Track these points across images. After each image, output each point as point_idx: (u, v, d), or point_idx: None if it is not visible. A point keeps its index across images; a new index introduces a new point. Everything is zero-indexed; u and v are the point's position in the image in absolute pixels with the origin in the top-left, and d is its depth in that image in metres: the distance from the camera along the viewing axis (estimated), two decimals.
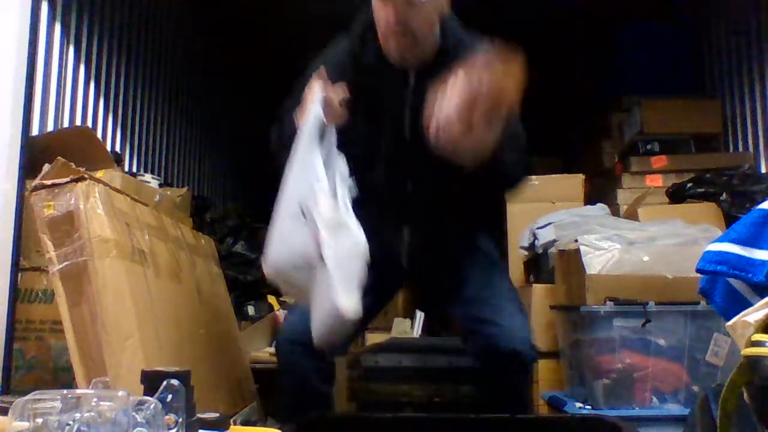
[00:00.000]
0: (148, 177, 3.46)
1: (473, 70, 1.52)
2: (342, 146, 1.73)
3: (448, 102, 1.54)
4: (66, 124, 3.19)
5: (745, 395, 1.15)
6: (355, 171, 1.74)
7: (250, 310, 3.82)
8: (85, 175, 1.77)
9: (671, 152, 4.09)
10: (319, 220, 1.58)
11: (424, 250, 2.03)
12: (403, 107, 1.91)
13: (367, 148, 1.91)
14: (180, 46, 4.95)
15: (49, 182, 1.72)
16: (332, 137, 1.72)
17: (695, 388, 2.26)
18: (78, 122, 3.33)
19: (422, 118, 1.76)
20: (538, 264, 3.25)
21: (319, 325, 1.63)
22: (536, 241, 3.19)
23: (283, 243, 1.64)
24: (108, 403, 1.00)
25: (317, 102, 1.69)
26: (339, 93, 1.72)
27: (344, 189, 1.67)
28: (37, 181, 1.74)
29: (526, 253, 3.38)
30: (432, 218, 2.01)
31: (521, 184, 2.00)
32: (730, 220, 3.01)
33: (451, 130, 1.55)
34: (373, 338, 3.59)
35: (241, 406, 2.39)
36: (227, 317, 2.69)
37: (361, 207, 1.74)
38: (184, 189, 3.41)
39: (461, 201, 2.01)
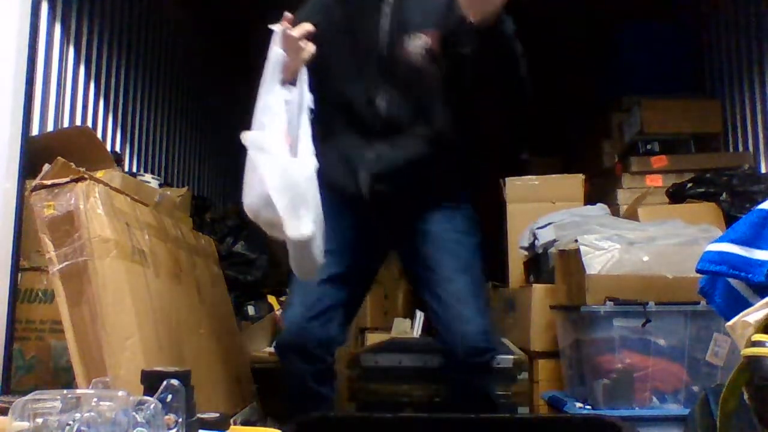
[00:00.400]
0: (148, 177, 3.46)
1: None
2: (318, 80, 1.79)
3: None
4: (66, 124, 3.19)
5: (745, 395, 1.15)
6: (330, 96, 1.77)
7: (250, 310, 3.82)
8: (85, 175, 1.77)
9: (671, 152, 4.08)
10: (268, 152, 1.65)
11: (389, 183, 1.98)
12: (379, 20, 1.95)
13: (343, 68, 1.94)
14: (180, 46, 4.95)
15: (49, 182, 1.72)
16: (304, 76, 1.77)
17: (695, 388, 2.26)
18: (78, 122, 3.32)
19: (399, 30, 1.82)
20: (538, 264, 3.25)
21: (290, 257, 1.69)
22: (536, 241, 3.19)
23: (252, 183, 1.69)
24: (108, 403, 1.00)
25: (277, 41, 1.76)
26: (302, 29, 1.78)
27: (306, 122, 1.73)
28: (37, 181, 1.74)
29: (526, 253, 3.38)
30: (400, 143, 1.98)
31: (523, 75, 1.94)
32: (730, 220, 3.01)
33: None
34: (373, 338, 3.59)
35: (241, 406, 2.39)
36: (227, 317, 2.69)
37: (331, 132, 1.77)
38: (184, 189, 3.40)
39: (434, 126, 1.98)
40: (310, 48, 1.78)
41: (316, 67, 1.79)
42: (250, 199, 1.69)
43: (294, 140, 1.72)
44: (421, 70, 1.83)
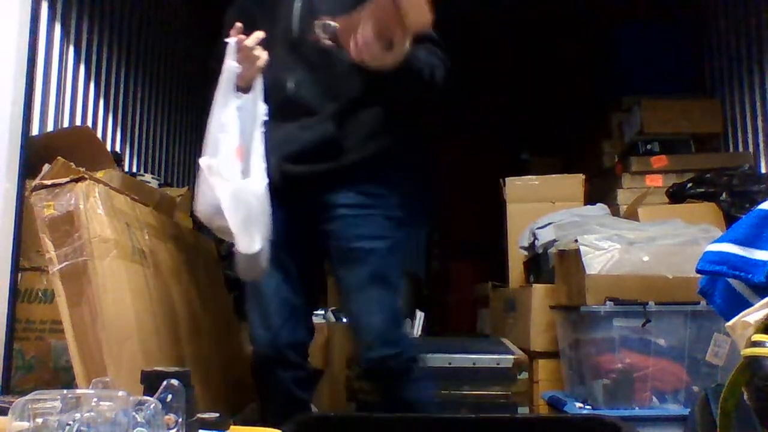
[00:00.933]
0: (148, 177, 3.47)
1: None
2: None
3: (365, 26, 1.68)
4: (66, 124, 3.19)
5: (745, 395, 1.15)
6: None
7: None
8: (85, 175, 1.76)
9: (671, 152, 4.09)
10: (219, 171, 1.74)
11: (297, 163, 1.97)
12: (292, 6, 2.00)
13: (266, 50, 1.93)
14: (180, 47, 4.95)
15: (49, 182, 1.72)
16: (259, 86, 1.84)
17: (695, 388, 2.26)
18: (78, 122, 3.32)
19: (310, 15, 1.90)
20: (538, 264, 3.26)
21: (237, 262, 1.79)
22: (536, 241, 3.19)
23: (205, 192, 1.76)
24: (108, 403, 1.00)
25: (230, 55, 1.82)
26: (254, 38, 1.83)
27: (260, 135, 1.80)
28: (37, 181, 1.74)
29: (526, 253, 3.38)
30: (308, 124, 1.97)
31: (434, 88, 1.96)
32: (730, 220, 3.01)
33: (371, 51, 1.70)
34: None
35: (241, 406, 2.39)
36: (227, 317, 2.69)
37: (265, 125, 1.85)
38: (184, 189, 3.40)
39: (342, 109, 1.97)
40: (264, 56, 1.83)
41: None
42: (202, 206, 1.76)
43: (247, 152, 1.78)
44: (329, 54, 1.85)
